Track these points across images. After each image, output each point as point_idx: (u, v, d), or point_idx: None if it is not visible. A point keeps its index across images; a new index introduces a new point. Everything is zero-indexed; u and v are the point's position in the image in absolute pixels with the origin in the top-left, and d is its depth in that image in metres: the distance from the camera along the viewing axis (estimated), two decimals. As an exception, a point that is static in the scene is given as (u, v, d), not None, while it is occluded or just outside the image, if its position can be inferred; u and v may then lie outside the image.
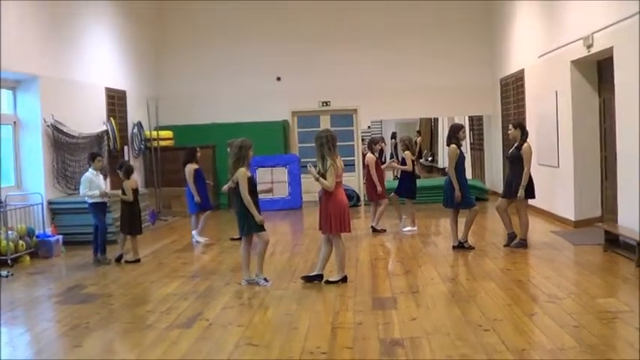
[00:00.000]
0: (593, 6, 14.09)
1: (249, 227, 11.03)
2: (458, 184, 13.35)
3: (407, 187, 16.37)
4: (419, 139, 33.16)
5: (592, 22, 14.03)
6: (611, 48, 13.32)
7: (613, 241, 12.69)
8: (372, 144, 16.84)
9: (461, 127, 13.98)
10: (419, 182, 16.77)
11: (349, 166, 23.19)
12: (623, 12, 12.52)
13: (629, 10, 12.26)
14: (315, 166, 10.94)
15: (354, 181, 23.54)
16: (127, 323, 9.32)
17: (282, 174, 22.07)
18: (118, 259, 13.72)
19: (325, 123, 24.04)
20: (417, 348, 7.57)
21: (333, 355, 7.51)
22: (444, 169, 29.23)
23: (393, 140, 29.85)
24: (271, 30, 23.49)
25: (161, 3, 23.60)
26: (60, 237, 15.19)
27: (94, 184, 13.69)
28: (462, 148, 13.69)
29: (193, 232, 15.92)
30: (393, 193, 16.68)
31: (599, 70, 15.40)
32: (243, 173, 10.95)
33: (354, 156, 24.09)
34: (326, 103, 23.81)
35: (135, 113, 21.22)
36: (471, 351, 7.38)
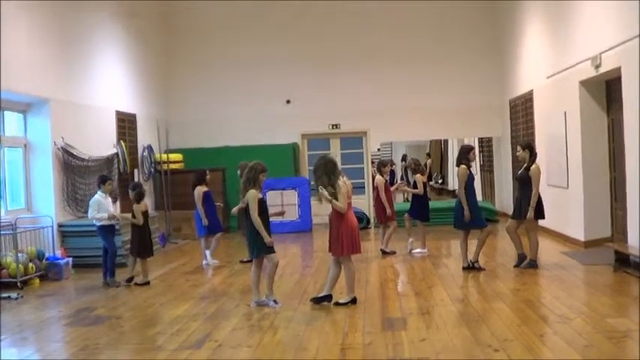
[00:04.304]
0: (600, 26, 14.13)
1: (259, 249, 11.02)
2: (467, 204, 13.34)
3: (419, 210, 16.36)
4: (429, 162, 33.15)
5: (600, 42, 14.06)
6: (619, 68, 13.33)
7: (623, 261, 12.64)
8: (381, 166, 16.83)
9: (471, 148, 13.99)
10: (430, 205, 16.74)
11: (359, 188, 23.18)
12: (631, 32, 12.55)
13: (636, 29, 12.27)
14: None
15: (364, 203, 23.51)
16: (136, 344, 9.33)
17: (292, 196, 22.07)
18: (129, 281, 13.72)
19: (335, 146, 24.08)
20: (427, 368, 7.56)
21: (342, 375, 7.50)
22: (454, 191, 29.18)
23: (403, 163, 29.84)
24: (281, 53, 23.57)
25: (171, 26, 23.74)
26: (70, 259, 15.21)
27: (102, 206, 13.71)
28: (471, 169, 13.70)
29: (206, 252, 15.88)
30: (406, 214, 16.67)
31: (607, 91, 15.42)
32: (253, 195, 10.95)
33: (363, 178, 24.07)
34: (336, 126, 23.84)
35: (145, 136, 21.29)
36: (480, 371, 7.37)
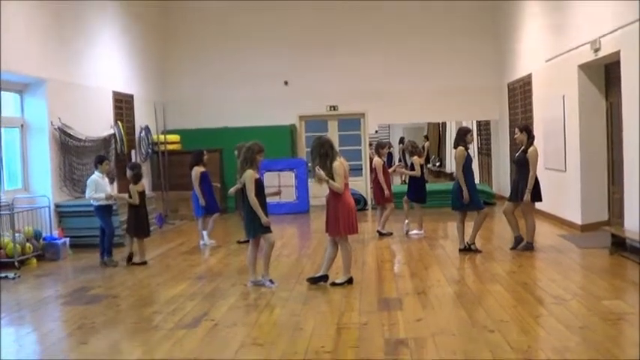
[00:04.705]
0: (600, 10, 14.09)
1: (256, 229, 11.02)
2: (466, 185, 13.35)
3: (416, 192, 16.35)
4: (427, 144, 33.20)
5: (599, 26, 14.02)
6: (619, 52, 13.32)
7: (619, 245, 12.66)
8: (380, 148, 16.81)
9: (468, 130, 13.98)
10: (427, 187, 16.74)
11: (356, 170, 23.15)
12: (631, 16, 12.51)
13: (636, 14, 12.25)
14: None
15: (362, 185, 23.50)
16: (133, 323, 9.35)
17: (289, 178, 22.08)
18: (129, 259, 13.73)
19: (333, 127, 24.03)
20: (422, 347, 7.59)
21: (338, 354, 7.51)
22: (451, 174, 29.27)
23: (401, 145, 29.85)
24: (279, 34, 23.51)
25: (168, 7, 23.64)
26: (67, 240, 15.22)
27: (100, 186, 13.71)
28: (469, 151, 13.71)
29: (203, 233, 15.90)
30: (405, 197, 16.67)
31: (606, 74, 15.40)
32: (250, 175, 10.94)
33: (361, 160, 24.04)
34: (333, 108, 23.81)
35: (142, 117, 21.26)
36: (475, 351, 7.39)
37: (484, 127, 26.00)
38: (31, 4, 15.16)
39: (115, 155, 18.52)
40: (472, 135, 14.44)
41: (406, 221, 16.47)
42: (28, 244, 14.14)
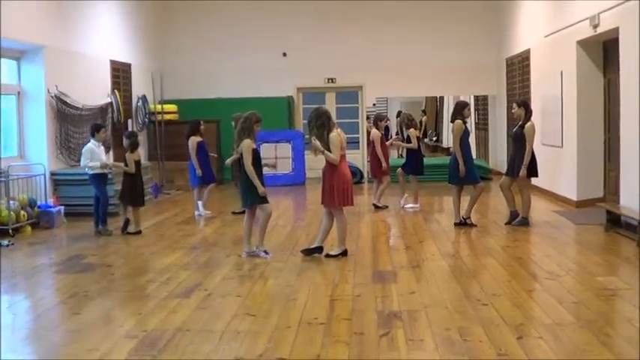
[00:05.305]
0: (600, -15, 14.03)
1: (253, 199, 11.01)
2: (463, 158, 13.32)
3: (413, 164, 16.31)
4: (424, 119, 33.16)
5: (599, 1, 13.95)
6: (617, 28, 13.26)
7: (615, 222, 12.66)
8: (378, 120, 16.80)
9: (466, 104, 13.94)
10: (424, 161, 16.73)
11: (353, 143, 23.10)
12: (631, -9, 12.47)
13: (636, -11, 12.20)
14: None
15: (358, 158, 23.46)
16: (126, 292, 9.38)
17: (285, 150, 22.05)
18: (124, 227, 13.72)
19: (331, 100, 23.98)
20: (415, 320, 7.59)
21: (331, 325, 7.52)
22: (448, 148, 29.25)
23: (398, 119, 29.79)
24: (277, 5, 23.34)
25: (167, -24, 23.53)
26: (62, 208, 15.20)
27: (95, 155, 13.67)
28: (466, 125, 13.67)
29: (198, 203, 15.87)
30: (399, 169, 16.65)
31: (604, 51, 15.35)
32: (247, 144, 10.92)
33: (358, 133, 24.01)
34: (331, 80, 23.74)
35: (139, 86, 21.18)
36: (468, 324, 7.39)
37: (481, 102, 25.95)
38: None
39: (111, 124, 18.45)
40: (470, 109, 14.42)
41: (405, 195, 16.46)
42: (22, 212, 14.12)
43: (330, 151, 10.63)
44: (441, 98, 32.38)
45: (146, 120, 21.32)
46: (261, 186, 10.90)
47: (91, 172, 13.71)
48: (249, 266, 10.58)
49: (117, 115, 18.91)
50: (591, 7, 14.33)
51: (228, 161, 12.30)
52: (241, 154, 10.98)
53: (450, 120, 14.54)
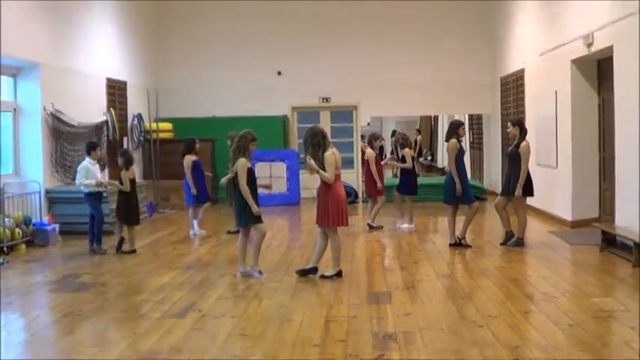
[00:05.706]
0: (593, 4, 14.03)
1: (247, 219, 10.99)
2: (458, 177, 13.31)
3: (407, 184, 16.31)
4: (419, 138, 33.16)
5: (592, 20, 13.99)
6: (611, 47, 13.29)
7: (610, 242, 12.66)
8: (373, 140, 16.80)
9: (461, 123, 13.99)
10: (418, 180, 16.73)
11: (348, 162, 23.11)
12: (624, 10, 12.48)
13: (629, 8, 12.21)
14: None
15: (353, 177, 23.48)
16: (120, 312, 9.33)
17: (280, 169, 22.02)
18: (119, 246, 13.67)
19: (325, 119, 23.97)
20: (410, 342, 7.57)
21: (326, 347, 7.50)
22: (443, 168, 29.22)
23: (393, 139, 29.79)
24: (273, 24, 23.39)
25: (163, -5, 23.57)
26: (56, 226, 15.15)
27: (90, 173, 13.66)
28: (461, 144, 13.69)
29: (193, 222, 15.83)
30: (395, 191, 16.64)
31: (599, 70, 15.38)
32: (242, 163, 10.91)
33: (353, 153, 24.01)
34: (326, 99, 23.77)
35: (135, 104, 21.17)
36: (463, 345, 7.39)
37: (476, 121, 25.98)
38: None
39: (106, 142, 18.43)
40: (464, 129, 14.44)
41: (403, 218, 16.45)
42: (17, 230, 14.08)
43: (325, 171, 10.63)
44: (436, 117, 32.38)
45: (141, 138, 21.30)
46: (255, 206, 10.88)
47: (86, 191, 13.69)
48: (244, 286, 10.56)
49: (112, 133, 18.87)
50: (585, 25, 14.36)
51: (223, 180, 12.25)
52: (236, 173, 10.97)
53: (444, 139, 14.56)
